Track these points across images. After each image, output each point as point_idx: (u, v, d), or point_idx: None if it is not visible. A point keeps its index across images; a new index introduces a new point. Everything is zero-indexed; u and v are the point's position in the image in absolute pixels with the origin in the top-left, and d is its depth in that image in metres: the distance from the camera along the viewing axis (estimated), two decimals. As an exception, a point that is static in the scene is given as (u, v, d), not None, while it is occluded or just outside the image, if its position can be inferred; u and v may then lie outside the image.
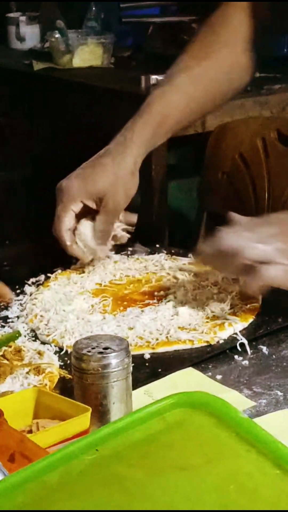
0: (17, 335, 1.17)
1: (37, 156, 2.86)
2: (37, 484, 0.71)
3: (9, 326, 1.25)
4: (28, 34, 3.01)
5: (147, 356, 1.16)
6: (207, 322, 1.22)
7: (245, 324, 1.23)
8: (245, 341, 1.18)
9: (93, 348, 0.96)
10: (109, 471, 0.72)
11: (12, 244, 1.85)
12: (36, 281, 1.39)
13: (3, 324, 1.26)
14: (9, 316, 1.29)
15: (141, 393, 1.07)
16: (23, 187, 2.89)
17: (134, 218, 1.42)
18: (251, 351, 1.17)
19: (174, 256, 1.46)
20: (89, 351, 0.96)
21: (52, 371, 1.09)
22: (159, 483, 0.70)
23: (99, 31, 2.84)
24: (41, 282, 1.39)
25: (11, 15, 3.06)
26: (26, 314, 1.28)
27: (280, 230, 1.19)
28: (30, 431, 0.93)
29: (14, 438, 0.85)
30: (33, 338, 1.22)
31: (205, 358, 1.16)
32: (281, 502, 0.69)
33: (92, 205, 1.36)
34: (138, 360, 1.12)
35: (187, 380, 1.11)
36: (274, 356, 1.16)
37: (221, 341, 1.19)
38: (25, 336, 1.21)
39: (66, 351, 1.17)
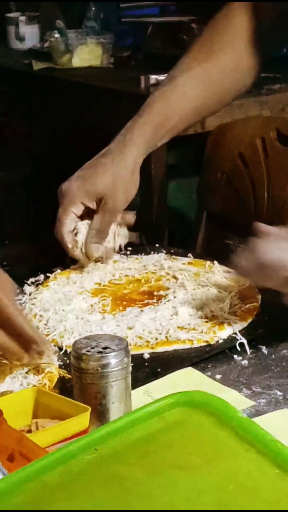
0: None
1: (37, 156, 2.86)
2: (36, 483, 0.71)
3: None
4: (28, 34, 3.01)
5: (146, 355, 1.16)
6: (206, 321, 1.22)
7: (245, 324, 1.23)
8: (245, 341, 1.18)
9: (92, 348, 0.96)
10: (108, 470, 0.72)
11: (12, 244, 1.85)
12: (36, 281, 1.39)
13: (2, 323, 1.26)
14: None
15: (141, 393, 1.07)
16: (23, 187, 2.89)
17: (132, 217, 1.41)
18: (251, 350, 1.17)
19: (173, 256, 1.46)
20: (88, 351, 0.96)
21: (51, 371, 1.09)
22: (159, 483, 0.70)
23: (99, 31, 2.84)
24: (40, 282, 1.39)
25: (11, 15, 3.05)
26: (26, 314, 1.28)
27: None
28: (30, 431, 0.93)
29: (14, 437, 0.85)
30: (33, 338, 1.22)
31: (205, 357, 1.16)
32: (280, 501, 0.69)
33: (93, 205, 1.36)
34: (137, 360, 1.12)
35: (187, 379, 1.11)
36: (273, 356, 1.16)
37: (220, 341, 1.19)
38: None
39: (66, 350, 1.17)
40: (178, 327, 1.21)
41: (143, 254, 1.47)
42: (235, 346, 1.18)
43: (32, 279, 1.39)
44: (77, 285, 1.36)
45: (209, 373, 1.12)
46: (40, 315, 1.26)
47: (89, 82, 2.54)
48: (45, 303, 1.29)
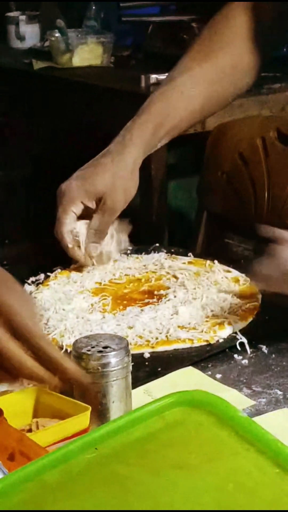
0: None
1: (37, 156, 2.86)
2: (36, 483, 0.71)
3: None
4: (28, 33, 3.01)
5: (146, 355, 1.16)
6: (206, 321, 1.22)
7: (245, 323, 1.23)
8: (245, 340, 1.18)
9: (92, 347, 0.96)
10: (109, 470, 0.72)
11: (12, 243, 1.85)
12: (36, 280, 1.39)
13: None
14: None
15: (141, 392, 1.07)
16: (23, 187, 2.89)
17: (127, 225, 1.41)
18: (251, 350, 1.17)
19: (174, 255, 1.46)
20: (88, 350, 0.96)
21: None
22: (158, 482, 0.70)
23: (99, 30, 2.84)
24: (40, 281, 1.39)
25: (11, 14, 3.06)
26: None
27: None
28: (30, 430, 0.93)
29: (14, 437, 0.85)
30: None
31: (205, 357, 1.16)
32: (280, 500, 0.69)
33: (92, 205, 1.36)
34: (137, 359, 1.12)
35: (187, 379, 1.11)
36: (273, 355, 1.16)
37: (220, 340, 1.19)
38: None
39: (66, 350, 1.16)
40: (179, 327, 1.21)
41: (144, 253, 1.47)
42: (236, 345, 1.18)
43: (32, 278, 1.40)
44: (77, 284, 1.36)
45: (210, 373, 1.12)
46: (40, 314, 1.26)
47: (90, 81, 2.54)
48: (45, 302, 1.29)
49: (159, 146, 1.44)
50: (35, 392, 0.98)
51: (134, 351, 1.11)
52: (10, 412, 0.90)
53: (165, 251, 1.48)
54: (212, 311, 1.24)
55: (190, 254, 1.47)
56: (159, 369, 1.13)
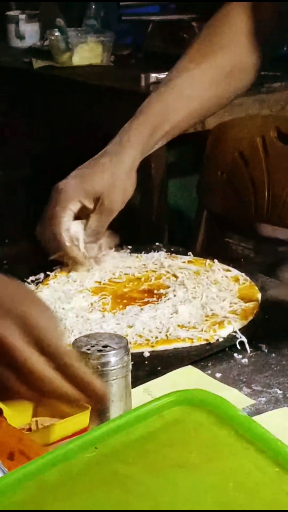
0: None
1: (37, 155, 2.86)
2: (36, 482, 0.70)
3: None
4: (28, 32, 3.01)
5: (146, 354, 1.16)
6: (206, 320, 1.22)
7: (245, 322, 1.23)
8: (245, 339, 1.18)
9: (92, 346, 0.96)
10: (108, 469, 0.72)
11: (12, 243, 1.85)
12: (36, 279, 1.39)
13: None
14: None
15: (141, 391, 1.07)
16: (23, 186, 2.89)
17: (114, 240, 1.41)
18: (251, 349, 1.17)
19: (173, 255, 1.46)
20: (88, 349, 0.96)
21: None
22: (158, 481, 0.70)
23: (99, 29, 2.84)
24: (40, 280, 1.39)
25: (11, 13, 3.06)
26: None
27: None
28: (30, 429, 0.93)
29: (14, 436, 0.85)
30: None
31: (205, 356, 1.16)
32: (280, 500, 0.69)
33: (90, 204, 1.35)
34: (137, 358, 1.12)
35: (187, 378, 1.11)
36: (273, 355, 1.16)
37: (220, 339, 1.19)
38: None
39: (66, 349, 1.16)
40: (178, 326, 1.21)
41: (143, 252, 1.47)
42: (235, 344, 1.18)
43: (32, 278, 1.40)
44: (77, 283, 1.36)
45: (209, 372, 1.12)
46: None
47: (89, 80, 2.54)
48: (45, 301, 1.29)
49: (158, 147, 1.44)
50: (35, 391, 0.98)
51: (133, 350, 1.11)
52: (10, 411, 0.90)
53: (165, 250, 1.48)
54: (212, 310, 1.24)
55: (190, 253, 1.47)
56: (159, 368, 1.13)
